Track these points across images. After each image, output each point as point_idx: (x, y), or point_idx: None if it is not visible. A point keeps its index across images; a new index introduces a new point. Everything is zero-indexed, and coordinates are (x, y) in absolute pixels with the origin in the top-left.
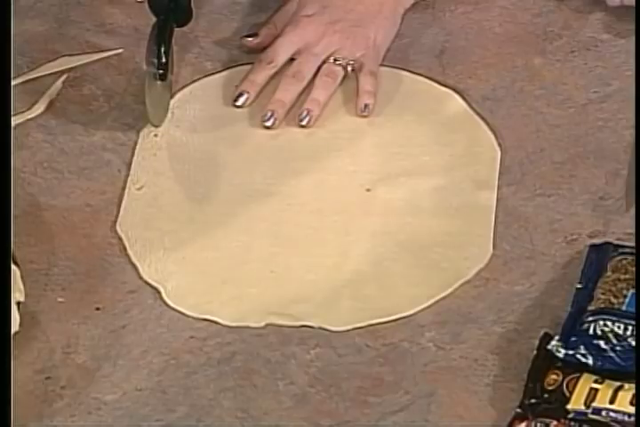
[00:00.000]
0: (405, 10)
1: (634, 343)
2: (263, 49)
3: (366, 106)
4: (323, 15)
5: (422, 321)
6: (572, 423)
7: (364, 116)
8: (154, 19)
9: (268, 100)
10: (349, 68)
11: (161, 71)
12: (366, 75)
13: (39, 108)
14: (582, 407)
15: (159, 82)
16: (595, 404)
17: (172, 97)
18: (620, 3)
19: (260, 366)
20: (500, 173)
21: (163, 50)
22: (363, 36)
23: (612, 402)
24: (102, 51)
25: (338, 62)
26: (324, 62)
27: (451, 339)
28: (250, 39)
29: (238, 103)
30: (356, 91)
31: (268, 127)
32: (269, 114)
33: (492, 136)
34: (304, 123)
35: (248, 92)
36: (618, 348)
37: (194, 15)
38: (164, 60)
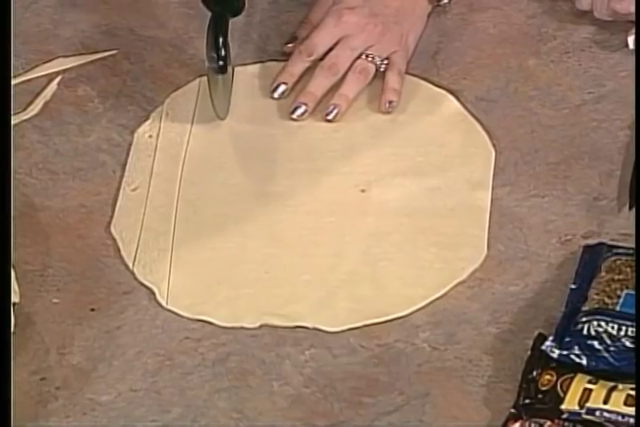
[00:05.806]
0: (429, 13)
1: (628, 344)
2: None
3: (390, 102)
4: (364, 8)
5: (417, 322)
6: (566, 424)
7: (388, 113)
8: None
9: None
10: (382, 68)
11: (221, 63)
12: (395, 73)
13: (34, 109)
14: (576, 408)
15: (220, 75)
16: (589, 404)
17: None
18: (607, 17)
19: (254, 367)
20: (494, 174)
21: (221, 42)
22: (398, 32)
23: (605, 402)
24: (97, 52)
25: (370, 59)
26: (358, 57)
27: (445, 339)
28: (291, 45)
29: (276, 95)
30: (382, 87)
31: (294, 119)
32: (299, 105)
33: (487, 137)
34: (330, 117)
35: (286, 84)
36: (612, 348)
37: (246, 5)
38: (223, 52)
